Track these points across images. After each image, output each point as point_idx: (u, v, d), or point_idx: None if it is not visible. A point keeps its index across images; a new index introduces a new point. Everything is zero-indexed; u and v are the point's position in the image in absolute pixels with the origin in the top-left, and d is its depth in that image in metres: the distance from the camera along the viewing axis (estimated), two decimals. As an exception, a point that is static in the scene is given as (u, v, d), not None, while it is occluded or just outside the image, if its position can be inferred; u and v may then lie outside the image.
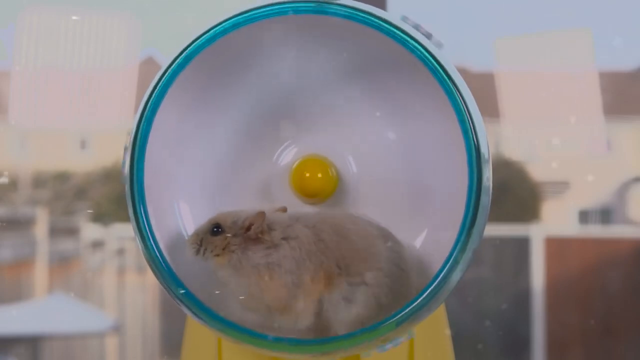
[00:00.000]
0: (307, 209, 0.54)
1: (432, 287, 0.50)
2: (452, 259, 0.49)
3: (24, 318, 2.71)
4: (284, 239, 0.51)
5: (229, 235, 0.51)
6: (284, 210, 0.53)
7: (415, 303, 0.50)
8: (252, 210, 0.52)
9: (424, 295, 0.49)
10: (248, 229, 0.51)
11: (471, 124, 0.49)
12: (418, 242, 0.53)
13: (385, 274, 0.51)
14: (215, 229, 0.51)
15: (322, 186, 0.54)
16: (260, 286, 0.50)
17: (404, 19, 0.50)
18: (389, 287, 0.51)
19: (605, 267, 3.02)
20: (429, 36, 0.50)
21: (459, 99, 0.50)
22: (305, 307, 0.51)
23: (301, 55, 0.54)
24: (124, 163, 0.52)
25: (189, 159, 0.54)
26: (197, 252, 0.51)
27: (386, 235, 0.52)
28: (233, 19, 0.51)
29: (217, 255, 0.51)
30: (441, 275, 0.49)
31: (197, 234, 0.52)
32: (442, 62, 0.50)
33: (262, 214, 0.51)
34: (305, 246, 0.50)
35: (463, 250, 0.49)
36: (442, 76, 0.50)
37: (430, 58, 0.50)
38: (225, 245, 0.51)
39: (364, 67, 0.53)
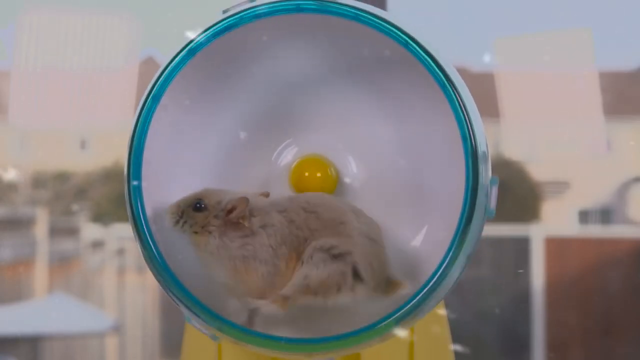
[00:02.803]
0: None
1: (430, 285, 0.50)
2: (449, 256, 0.49)
3: (24, 318, 2.71)
4: (261, 227, 0.51)
5: (210, 214, 0.51)
6: (267, 195, 0.53)
7: (414, 300, 0.50)
8: (237, 193, 0.52)
9: (422, 293, 0.50)
10: (230, 212, 0.51)
11: (468, 124, 0.50)
12: (417, 240, 0.54)
13: (355, 243, 0.51)
14: (198, 205, 0.51)
15: (321, 185, 0.54)
16: (236, 278, 0.51)
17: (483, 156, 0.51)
18: (363, 258, 0.50)
19: (605, 267, 3.02)
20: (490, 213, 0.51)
21: (456, 99, 0.50)
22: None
23: (301, 55, 0.54)
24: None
25: (187, 158, 0.54)
26: (176, 223, 0.51)
27: (357, 212, 0.52)
28: (233, 17, 0.51)
29: (196, 232, 0.51)
30: (439, 273, 0.49)
31: (179, 205, 0.52)
32: (441, 63, 0.50)
33: (245, 200, 0.51)
34: (279, 231, 0.51)
35: (460, 248, 0.49)
36: (440, 76, 0.50)
37: (429, 59, 0.50)
38: (205, 224, 0.51)
39: (364, 67, 0.53)
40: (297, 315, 0.51)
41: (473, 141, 0.50)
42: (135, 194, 0.51)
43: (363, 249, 0.51)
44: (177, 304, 0.52)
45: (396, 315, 0.50)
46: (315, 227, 0.51)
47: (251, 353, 0.52)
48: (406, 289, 0.50)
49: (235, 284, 0.51)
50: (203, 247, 0.51)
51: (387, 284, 0.51)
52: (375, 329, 0.50)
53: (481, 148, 0.50)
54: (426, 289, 0.50)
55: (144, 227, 0.51)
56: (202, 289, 0.52)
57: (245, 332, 0.50)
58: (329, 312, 0.51)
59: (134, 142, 0.51)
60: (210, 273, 0.51)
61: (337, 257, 0.50)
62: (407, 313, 0.50)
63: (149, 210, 0.52)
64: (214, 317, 0.51)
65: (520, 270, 3.04)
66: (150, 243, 0.51)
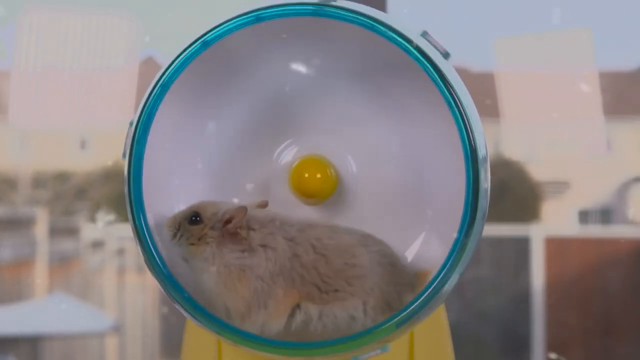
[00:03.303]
0: (304, 211, 0.54)
1: (431, 289, 0.50)
2: (450, 259, 0.49)
3: (24, 318, 2.71)
4: (262, 245, 0.51)
5: (206, 226, 0.51)
6: (265, 204, 0.53)
7: (415, 305, 0.50)
8: (233, 203, 0.52)
9: (423, 297, 0.50)
10: (227, 222, 0.51)
11: (468, 127, 0.50)
12: (417, 242, 0.53)
13: (373, 274, 0.51)
14: (194, 218, 0.51)
15: (321, 186, 0.54)
16: (227, 285, 0.50)
17: (424, 34, 0.50)
18: (382, 287, 0.51)
19: (605, 267, 3.02)
20: (446, 55, 0.50)
21: (455, 101, 0.50)
22: (273, 317, 0.50)
23: (302, 57, 0.54)
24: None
25: (188, 160, 0.54)
26: (174, 236, 0.51)
27: (366, 239, 0.52)
28: (234, 21, 0.51)
29: (192, 244, 0.51)
30: (440, 277, 0.49)
31: (175, 218, 0.52)
32: (440, 67, 0.50)
33: (243, 209, 0.51)
34: (280, 260, 0.50)
35: (461, 251, 0.49)
36: (438, 79, 0.50)
37: (426, 62, 0.50)
38: (202, 236, 0.51)
39: (364, 69, 0.53)
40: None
41: (473, 145, 0.50)
42: (136, 195, 0.51)
43: (374, 285, 0.51)
44: (176, 306, 0.52)
45: (396, 320, 0.50)
46: (325, 272, 0.50)
47: (251, 354, 0.52)
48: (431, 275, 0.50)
49: (223, 292, 0.50)
50: (199, 255, 0.51)
51: (412, 281, 0.51)
52: (374, 333, 0.50)
53: (481, 151, 0.50)
54: (427, 293, 0.50)
55: (144, 228, 0.51)
56: (201, 289, 0.52)
57: (244, 336, 0.50)
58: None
59: (135, 143, 0.51)
60: (199, 280, 0.51)
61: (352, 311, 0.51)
62: (407, 317, 0.50)
63: (149, 212, 0.52)
64: (213, 320, 0.51)
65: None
66: (150, 245, 0.51)
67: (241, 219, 0.51)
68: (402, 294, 0.51)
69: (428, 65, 0.50)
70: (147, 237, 0.51)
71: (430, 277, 0.50)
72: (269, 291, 0.50)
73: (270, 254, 0.50)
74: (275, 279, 0.50)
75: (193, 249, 0.51)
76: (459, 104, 0.50)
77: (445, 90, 0.50)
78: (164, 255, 0.52)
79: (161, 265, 0.51)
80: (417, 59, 0.50)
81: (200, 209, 0.52)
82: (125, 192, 0.52)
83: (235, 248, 0.51)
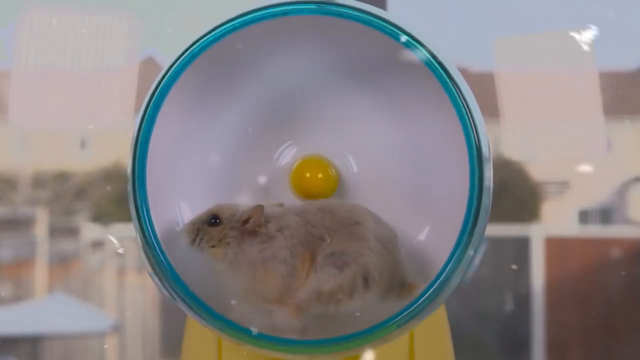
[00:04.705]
0: None
1: (433, 288, 0.50)
2: (453, 259, 0.49)
3: (24, 318, 2.71)
4: (278, 230, 0.51)
5: (226, 227, 0.51)
6: (281, 206, 0.53)
7: (417, 304, 0.50)
8: (250, 204, 0.52)
9: (425, 297, 0.50)
10: (246, 221, 0.51)
11: (472, 124, 0.50)
12: (418, 243, 0.53)
13: (369, 247, 0.51)
14: (213, 220, 0.52)
15: (322, 186, 0.54)
16: (255, 280, 0.51)
17: None
18: (374, 264, 0.50)
19: (605, 267, 3.02)
20: None
21: (460, 99, 0.50)
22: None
23: (302, 56, 0.54)
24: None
25: (190, 159, 0.55)
26: (193, 241, 0.52)
27: (375, 216, 0.52)
28: (235, 21, 0.51)
29: (213, 246, 0.51)
30: (442, 277, 0.50)
31: (193, 223, 0.52)
32: (444, 63, 0.50)
33: (260, 208, 0.51)
34: (295, 232, 0.51)
35: (464, 251, 0.49)
36: (443, 76, 0.50)
37: (432, 58, 0.50)
38: (222, 237, 0.51)
39: (365, 67, 0.53)
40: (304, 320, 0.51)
41: (477, 141, 0.50)
42: (140, 192, 0.52)
43: (376, 253, 0.50)
44: (177, 303, 0.52)
45: (397, 319, 0.50)
46: (330, 224, 0.51)
47: (251, 353, 0.52)
48: (421, 289, 0.50)
49: (253, 288, 0.51)
50: (221, 258, 0.51)
51: (402, 287, 0.51)
52: (376, 332, 0.50)
53: (484, 149, 0.50)
54: (429, 292, 0.50)
55: (148, 226, 0.51)
56: (204, 288, 0.52)
57: (246, 334, 0.50)
58: (333, 316, 0.51)
59: (139, 143, 0.51)
60: (226, 283, 0.51)
61: (348, 264, 0.50)
62: (409, 317, 0.50)
63: (153, 212, 0.52)
64: (216, 318, 0.51)
65: (514, 266, 3.04)
66: (154, 242, 0.51)
67: (259, 218, 0.51)
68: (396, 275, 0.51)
69: (433, 62, 0.50)
70: (151, 234, 0.51)
71: (416, 290, 0.50)
72: (292, 271, 0.50)
73: (287, 232, 0.51)
74: (294, 251, 0.51)
75: (214, 251, 0.51)
76: (464, 102, 0.50)
77: (452, 89, 0.50)
78: (167, 254, 0.52)
79: (163, 261, 0.51)
80: (423, 58, 0.50)
81: (218, 211, 0.52)
82: (129, 190, 0.52)
83: (255, 241, 0.51)
